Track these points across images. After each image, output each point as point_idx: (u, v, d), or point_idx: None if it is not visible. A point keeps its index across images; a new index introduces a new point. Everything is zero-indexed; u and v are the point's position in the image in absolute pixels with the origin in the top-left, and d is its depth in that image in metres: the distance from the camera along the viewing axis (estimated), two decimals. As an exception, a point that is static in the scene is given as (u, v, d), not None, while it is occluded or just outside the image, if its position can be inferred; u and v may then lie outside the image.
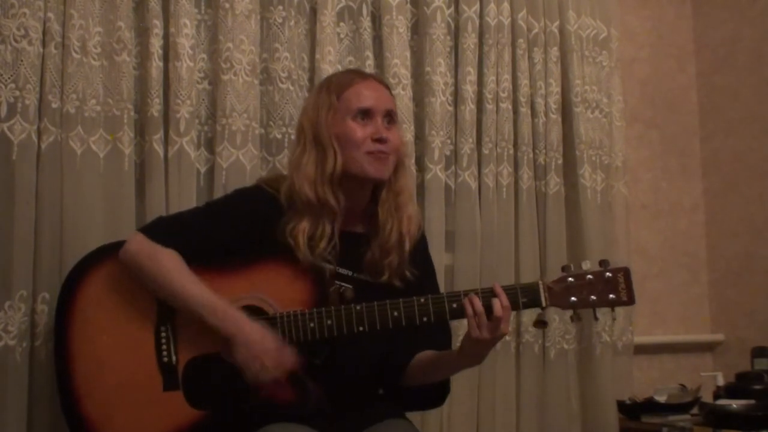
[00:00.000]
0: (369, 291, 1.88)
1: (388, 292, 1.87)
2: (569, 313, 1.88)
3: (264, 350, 1.76)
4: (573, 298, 1.84)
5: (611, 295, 1.84)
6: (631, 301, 1.85)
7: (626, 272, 1.85)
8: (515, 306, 1.82)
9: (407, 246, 1.93)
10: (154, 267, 1.84)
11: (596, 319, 1.91)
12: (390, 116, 1.94)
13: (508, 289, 1.82)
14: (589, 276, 1.84)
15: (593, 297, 1.84)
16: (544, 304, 1.83)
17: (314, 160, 1.89)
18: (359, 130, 1.89)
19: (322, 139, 1.90)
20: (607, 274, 1.84)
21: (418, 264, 1.97)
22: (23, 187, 2.08)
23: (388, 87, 2.02)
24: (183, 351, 1.85)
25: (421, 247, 2.03)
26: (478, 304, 1.78)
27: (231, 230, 1.90)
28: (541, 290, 1.83)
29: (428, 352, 1.95)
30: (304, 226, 1.86)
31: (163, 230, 1.91)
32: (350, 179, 1.90)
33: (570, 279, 1.84)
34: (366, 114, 1.91)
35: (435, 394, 2.03)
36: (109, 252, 1.93)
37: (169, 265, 1.84)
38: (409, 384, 1.97)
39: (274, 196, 1.92)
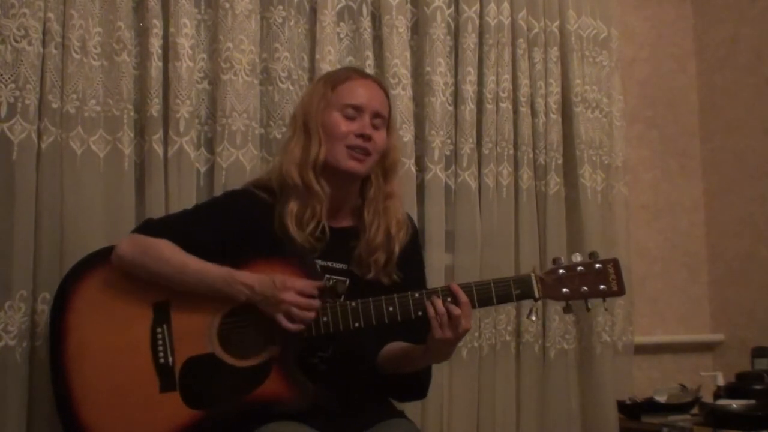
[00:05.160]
0: (359, 285, 1.89)
1: (376, 288, 1.88)
2: (562, 304, 1.90)
3: (274, 292, 1.77)
4: (565, 290, 1.87)
5: (602, 286, 1.87)
6: (621, 291, 1.88)
7: (615, 263, 1.89)
8: (508, 298, 1.84)
9: (396, 248, 1.94)
10: (152, 254, 1.85)
11: (588, 309, 1.93)
12: (380, 118, 1.96)
13: (500, 282, 1.84)
14: (580, 267, 1.87)
15: (585, 288, 1.87)
16: (537, 295, 1.86)
17: (301, 146, 1.93)
18: (344, 124, 1.92)
19: (310, 126, 1.93)
20: (597, 265, 1.87)
21: (406, 259, 1.98)
22: (23, 187, 2.08)
23: (385, 91, 2.04)
24: (179, 352, 1.85)
25: (411, 243, 2.02)
26: (440, 304, 1.79)
27: (219, 230, 1.91)
28: (534, 282, 1.85)
29: (397, 343, 1.95)
30: (292, 206, 1.90)
31: (153, 228, 1.93)
32: (332, 170, 1.92)
33: (561, 270, 1.87)
34: (355, 110, 1.93)
35: (413, 385, 2.01)
36: (101, 257, 1.93)
37: (168, 251, 1.86)
38: (382, 373, 1.97)
39: (263, 197, 1.94)
